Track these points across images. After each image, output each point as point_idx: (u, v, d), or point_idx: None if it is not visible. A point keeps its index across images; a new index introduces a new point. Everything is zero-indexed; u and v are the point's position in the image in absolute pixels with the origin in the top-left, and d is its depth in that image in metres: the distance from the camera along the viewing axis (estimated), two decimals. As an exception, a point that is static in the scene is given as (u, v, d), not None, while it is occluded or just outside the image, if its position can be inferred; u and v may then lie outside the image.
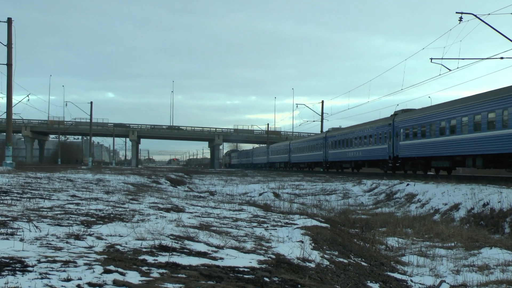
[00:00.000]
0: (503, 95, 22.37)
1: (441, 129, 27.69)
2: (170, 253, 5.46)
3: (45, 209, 8.71)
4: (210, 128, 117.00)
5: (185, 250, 5.84)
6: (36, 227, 6.49)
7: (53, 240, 5.75)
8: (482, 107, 23.78)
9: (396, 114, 35.36)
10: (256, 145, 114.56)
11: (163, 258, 5.19)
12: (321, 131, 66.45)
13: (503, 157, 22.81)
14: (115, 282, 4.08)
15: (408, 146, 31.89)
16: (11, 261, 4.48)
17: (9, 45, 35.39)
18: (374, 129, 37.27)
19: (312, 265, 6.30)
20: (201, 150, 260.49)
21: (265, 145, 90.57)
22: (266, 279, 4.92)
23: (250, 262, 5.58)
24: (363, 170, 43.32)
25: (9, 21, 35.48)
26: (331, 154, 46.51)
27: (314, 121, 75.35)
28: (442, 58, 31.38)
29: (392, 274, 7.45)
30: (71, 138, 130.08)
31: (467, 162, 26.02)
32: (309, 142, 56.15)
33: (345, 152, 42.97)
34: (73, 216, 8.05)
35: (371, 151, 37.55)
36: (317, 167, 52.74)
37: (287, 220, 10.58)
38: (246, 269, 5.20)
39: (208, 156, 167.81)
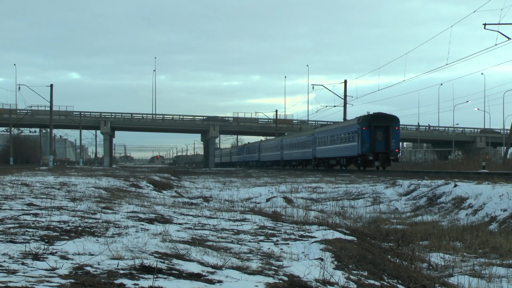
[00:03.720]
0: (347, 124, 52.82)
1: (331, 140, 56.23)
2: (155, 276, 5.47)
3: (-5, 222, 8.74)
4: (203, 116, 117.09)
5: (173, 272, 5.85)
6: (-16, 244, 6.50)
7: (4, 261, 5.77)
8: (343, 130, 52.49)
9: (316, 127, 73.00)
10: (262, 138, 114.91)
11: (145, 282, 5.20)
12: (344, 118, 67.67)
13: (353, 158, 49.55)
14: (85, 313, 4.09)
15: (319, 150, 60.49)
16: (-47, 288, 4.49)
17: None
18: (306, 137, 66.91)
19: (335, 289, 6.30)
20: (192, 144, 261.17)
21: (242, 144, 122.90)
22: (277, 307, 4.92)
23: (257, 286, 5.59)
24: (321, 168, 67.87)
25: None
26: (285, 154, 77.63)
27: (335, 106, 75.71)
28: (499, 24, 31.34)
29: (437, 300, 7.45)
30: (26, 131, 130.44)
31: (341, 161, 53.53)
32: (272, 143, 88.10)
33: (292, 153, 73.87)
34: (31, 230, 8.07)
35: (304, 153, 67.37)
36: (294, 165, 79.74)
37: (302, 232, 10.60)
38: (251, 295, 5.20)
39: (201, 152, 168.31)
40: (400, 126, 52.57)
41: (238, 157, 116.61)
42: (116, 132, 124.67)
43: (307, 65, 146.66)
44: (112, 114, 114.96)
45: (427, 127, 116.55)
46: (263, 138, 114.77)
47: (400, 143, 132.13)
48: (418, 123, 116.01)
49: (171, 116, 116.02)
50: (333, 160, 56.33)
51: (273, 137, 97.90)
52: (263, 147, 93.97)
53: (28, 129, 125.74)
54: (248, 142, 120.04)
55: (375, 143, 46.19)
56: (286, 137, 79.93)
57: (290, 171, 60.45)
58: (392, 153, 46.39)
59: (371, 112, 50.12)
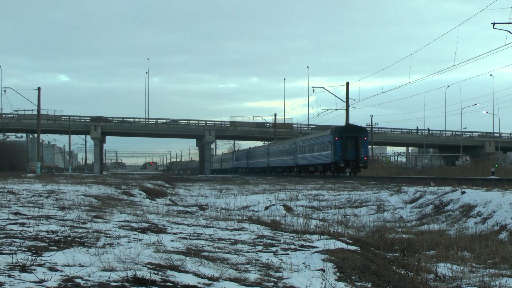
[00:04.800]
0: (322, 134, 61.85)
1: (310, 149, 64.54)
2: (148, 288, 5.47)
3: (-20, 232, 8.72)
4: (198, 121, 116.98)
5: (167, 284, 5.85)
6: (-31, 255, 6.49)
7: (-9, 273, 5.76)
8: (319, 140, 61.17)
9: (298, 136, 78.48)
10: (261, 143, 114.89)
11: (138, 295, 5.19)
12: (346, 122, 67.76)
13: (327, 165, 58.02)
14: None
15: (300, 158, 69.14)
16: None
17: None
18: (289, 145, 75.56)
19: (338, 301, 6.31)
20: (186, 150, 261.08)
21: (233, 151, 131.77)
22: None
23: (255, 299, 5.58)
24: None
25: None
26: (271, 161, 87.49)
27: (336, 109, 75.80)
28: (508, 23, 31.39)
29: (444, 313, 7.44)
30: (12, 137, 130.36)
31: (318, 168, 62.06)
32: (260, 151, 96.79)
33: (277, 160, 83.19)
34: (17, 240, 8.06)
35: (287, 160, 75.92)
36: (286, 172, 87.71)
37: (302, 242, 10.61)
38: (249, 308, 5.21)
39: (196, 158, 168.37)
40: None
41: (228, 163, 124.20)
42: (107, 138, 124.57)
43: (307, 67, 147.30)
44: (103, 118, 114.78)
45: (427, 131, 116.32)
46: (261, 143, 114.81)
47: (406, 148, 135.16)
48: (417, 127, 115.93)
49: (165, 120, 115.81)
50: (312, 167, 64.77)
51: (260, 145, 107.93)
52: (251, 154, 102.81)
53: (14, 134, 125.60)
54: (238, 149, 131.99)
55: (346, 152, 54.81)
56: (272, 145, 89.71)
57: (290, 178, 60.61)
58: (362, 161, 55.04)
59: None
